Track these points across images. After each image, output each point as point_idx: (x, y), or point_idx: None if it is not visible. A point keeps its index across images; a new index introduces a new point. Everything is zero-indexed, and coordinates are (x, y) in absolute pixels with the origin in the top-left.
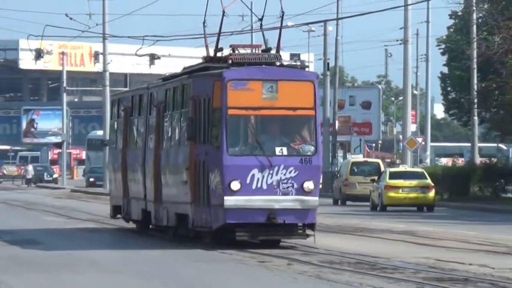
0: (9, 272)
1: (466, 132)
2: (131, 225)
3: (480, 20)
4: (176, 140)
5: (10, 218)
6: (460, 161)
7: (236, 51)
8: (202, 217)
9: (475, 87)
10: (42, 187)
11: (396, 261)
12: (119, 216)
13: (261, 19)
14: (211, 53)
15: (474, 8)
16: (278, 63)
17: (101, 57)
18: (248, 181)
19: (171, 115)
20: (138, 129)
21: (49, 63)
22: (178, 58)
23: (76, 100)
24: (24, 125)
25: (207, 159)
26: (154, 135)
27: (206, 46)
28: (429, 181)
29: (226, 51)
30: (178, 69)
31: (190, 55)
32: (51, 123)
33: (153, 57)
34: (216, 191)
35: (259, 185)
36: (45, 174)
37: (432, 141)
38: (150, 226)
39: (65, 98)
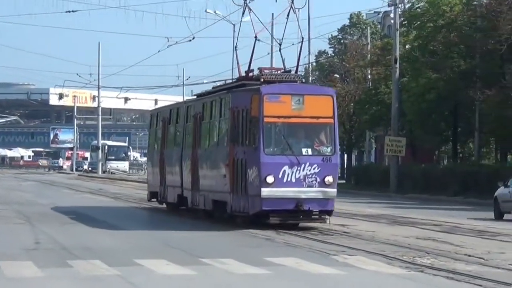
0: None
1: None
2: (163, 206)
3: None
4: (215, 142)
5: (53, 194)
6: None
7: (263, 72)
8: (240, 204)
9: None
10: (60, 173)
11: None
12: (153, 199)
13: (280, 44)
14: (243, 73)
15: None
16: (298, 81)
17: (96, 98)
18: (280, 175)
19: (209, 123)
20: (176, 134)
21: (66, 101)
22: (141, 100)
23: (82, 123)
24: (51, 137)
25: (245, 158)
26: (191, 138)
27: (238, 67)
28: None
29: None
30: (143, 106)
31: (148, 98)
32: (67, 136)
33: (126, 99)
34: (254, 184)
35: (289, 179)
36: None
37: None
38: (184, 207)
39: (75, 122)
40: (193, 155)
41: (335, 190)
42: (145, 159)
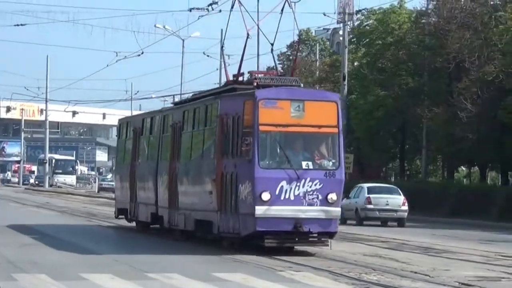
0: None
1: None
2: (131, 224)
3: None
4: (199, 154)
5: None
6: None
7: (256, 75)
8: (229, 224)
9: None
10: (7, 186)
11: None
12: (121, 217)
13: (272, 44)
14: (231, 77)
15: None
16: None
17: (44, 112)
18: (277, 192)
19: (191, 133)
20: (150, 145)
21: (14, 114)
22: (89, 114)
23: (29, 136)
24: None
25: (237, 172)
26: (169, 150)
27: (226, 71)
28: None
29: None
30: (90, 120)
31: (97, 112)
32: (14, 149)
33: (74, 113)
34: (246, 201)
35: (287, 196)
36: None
37: None
38: (157, 226)
39: (22, 135)
40: (171, 169)
41: (339, 209)
42: (93, 172)
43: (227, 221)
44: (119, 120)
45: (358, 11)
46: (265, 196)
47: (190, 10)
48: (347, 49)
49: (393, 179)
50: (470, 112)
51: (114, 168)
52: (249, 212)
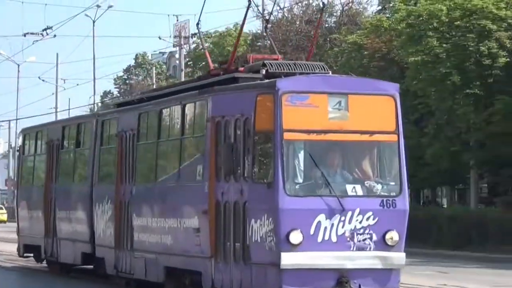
0: None
1: None
2: (41, 265)
3: None
4: (172, 175)
5: None
6: None
7: (265, 61)
8: (231, 277)
9: None
10: None
11: None
12: (27, 255)
13: (267, 20)
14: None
15: None
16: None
17: None
18: (312, 231)
19: (155, 145)
20: (78, 162)
21: None
22: None
23: None
24: None
25: (245, 200)
26: (114, 169)
27: (207, 55)
28: None
29: None
30: None
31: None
32: None
33: None
34: (265, 244)
35: (326, 237)
36: None
37: None
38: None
39: None
40: (119, 195)
41: (403, 255)
42: None
43: (227, 274)
44: (23, 130)
45: (193, 35)
46: (296, 237)
47: (25, 35)
48: (183, 72)
49: None
50: None
51: (16, 192)
52: (270, 261)
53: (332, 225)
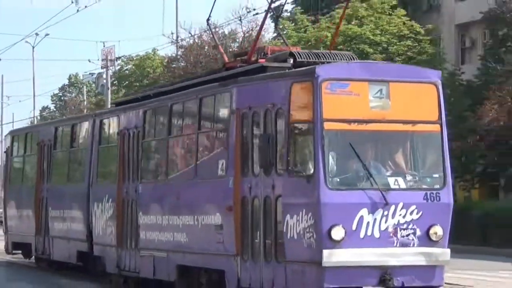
0: None
1: None
2: (28, 260)
3: None
4: (189, 171)
5: None
6: None
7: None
8: (262, 276)
9: None
10: None
11: None
12: (16, 252)
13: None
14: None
15: None
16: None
17: None
18: (354, 226)
19: (166, 141)
20: (71, 162)
21: None
22: None
23: None
24: None
25: (279, 194)
26: (115, 167)
27: (220, 49)
28: None
29: None
30: None
31: None
32: None
33: None
34: (302, 241)
35: (369, 233)
36: None
37: None
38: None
39: None
40: (121, 193)
41: (447, 251)
42: None
43: (256, 272)
44: (11, 132)
45: (118, 58)
46: (338, 232)
47: None
48: (109, 90)
49: None
50: None
51: (4, 192)
52: (309, 258)
53: (375, 220)
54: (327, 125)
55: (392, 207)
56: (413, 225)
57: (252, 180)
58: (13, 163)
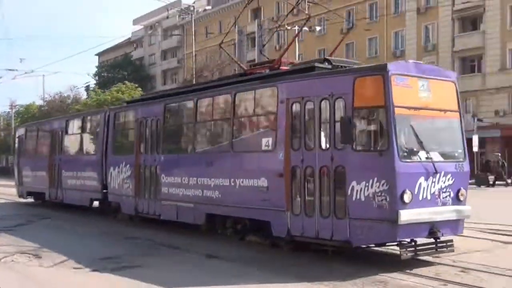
0: None
1: None
2: (31, 199)
3: None
4: (226, 144)
5: None
6: None
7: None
8: (316, 227)
9: None
10: None
11: None
12: (28, 197)
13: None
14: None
15: None
16: None
17: None
18: (416, 191)
19: (193, 124)
20: (83, 141)
21: None
22: None
23: None
24: None
25: (338, 165)
26: (130, 144)
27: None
28: None
29: None
30: None
31: None
32: None
33: None
34: (372, 203)
35: (424, 196)
36: None
37: None
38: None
39: None
40: (140, 161)
41: (469, 207)
42: None
43: (311, 224)
44: (23, 125)
45: None
46: (408, 196)
47: None
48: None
49: None
50: None
51: (17, 160)
52: (383, 217)
53: (428, 185)
54: (397, 110)
55: (438, 175)
56: (449, 189)
57: (305, 153)
58: (24, 144)
